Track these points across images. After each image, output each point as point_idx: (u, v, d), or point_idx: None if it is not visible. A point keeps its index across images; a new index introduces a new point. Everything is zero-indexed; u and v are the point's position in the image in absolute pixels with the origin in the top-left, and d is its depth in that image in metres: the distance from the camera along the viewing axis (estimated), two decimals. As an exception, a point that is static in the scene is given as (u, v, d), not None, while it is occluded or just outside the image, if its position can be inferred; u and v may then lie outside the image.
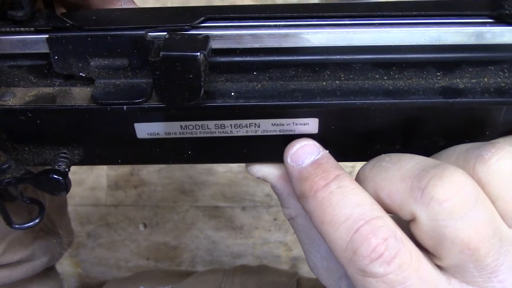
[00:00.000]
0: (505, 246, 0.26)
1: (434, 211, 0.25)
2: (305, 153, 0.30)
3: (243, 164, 1.13)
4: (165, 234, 1.11)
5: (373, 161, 0.30)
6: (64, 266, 1.12)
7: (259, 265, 0.78)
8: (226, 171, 1.08)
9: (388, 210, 0.28)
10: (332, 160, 0.30)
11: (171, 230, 1.11)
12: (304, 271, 1.07)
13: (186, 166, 1.09)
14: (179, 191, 1.10)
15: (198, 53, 0.25)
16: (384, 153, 0.30)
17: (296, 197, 0.30)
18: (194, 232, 1.10)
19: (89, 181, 1.13)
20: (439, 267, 0.27)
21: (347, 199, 0.27)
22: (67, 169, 0.31)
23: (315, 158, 0.30)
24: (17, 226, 0.36)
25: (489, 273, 0.26)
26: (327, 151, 0.30)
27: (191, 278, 0.72)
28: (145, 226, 1.11)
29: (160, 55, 0.25)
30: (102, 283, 0.76)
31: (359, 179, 0.30)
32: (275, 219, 1.08)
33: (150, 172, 1.10)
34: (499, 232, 0.26)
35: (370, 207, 0.27)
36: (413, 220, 0.27)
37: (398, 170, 0.28)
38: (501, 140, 0.30)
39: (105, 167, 1.12)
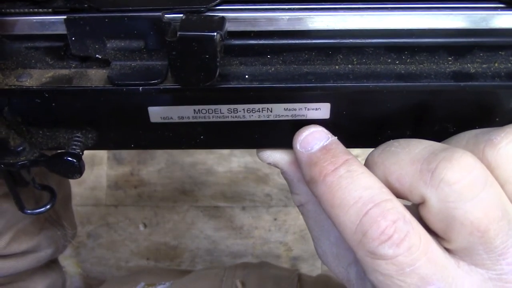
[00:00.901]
0: None
1: (443, 193, 0.26)
2: (314, 139, 0.31)
3: (243, 164, 1.12)
4: (165, 234, 1.11)
5: (382, 147, 0.30)
6: (65, 266, 1.12)
7: (260, 262, 0.78)
8: (226, 171, 1.08)
9: (398, 194, 0.28)
10: (340, 145, 0.30)
11: (171, 230, 1.11)
12: (304, 271, 1.07)
13: (186, 166, 1.09)
14: (179, 191, 1.10)
15: (215, 33, 0.25)
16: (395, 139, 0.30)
17: (306, 182, 0.31)
18: (194, 232, 1.10)
19: (89, 181, 1.13)
20: (448, 250, 0.28)
21: (356, 183, 0.28)
22: (81, 153, 0.31)
23: (324, 144, 0.30)
24: (29, 211, 0.36)
25: (497, 255, 0.26)
26: (336, 137, 0.31)
27: (192, 274, 0.72)
28: (145, 226, 1.11)
29: (177, 35, 0.26)
30: (102, 283, 0.76)
31: (368, 164, 0.30)
32: (275, 219, 1.08)
33: (150, 172, 1.10)
34: (507, 215, 0.26)
35: (379, 190, 0.27)
36: (422, 203, 0.27)
37: (407, 154, 0.28)
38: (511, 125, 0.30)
39: (105, 167, 1.12)
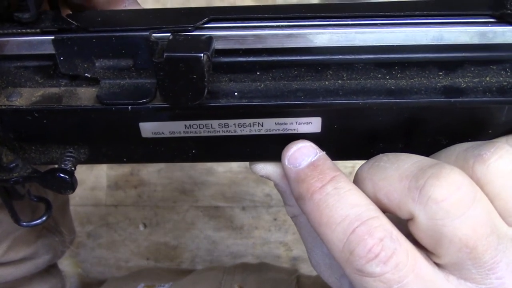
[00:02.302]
0: (503, 243, 0.26)
1: (431, 210, 0.26)
2: (302, 154, 0.31)
3: (243, 164, 1.12)
4: (165, 234, 1.11)
5: (371, 161, 0.30)
6: (64, 266, 1.12)
7: (260, 263, 0.78)
8: (226, 171, 1.08)
9: (387, 210, 0.28)
10: (328, 161, 0.30)
11: (171, 230, 1.11)
12: (304, 271, 1.07)
13: (186, 166, 1.09)
14: (179, 191, 1.10)
15: (201, 54, 0.25)
16: (387, 152, 0.30)
17: (294, 198, 0.31)
18: (194, 232, 1.10)
19: (89, 181, 1.13)
20: (438, 265, 0.28)
21: (343, 200, 0.28)
22: (73, 168, 0.32)
23: (312, 160, 0.30)
24: (24, 224, 0.36)
25: (487, 270, 0.27)
26: (324, 152, 0.31)
27: (192, 275, 0.72)
28: (145, 226, 1.12)
29: (164, 56, 0.26)
30: (102, 283, 0.77)
31: (357, 179, 0.30)
32: (275, 219, 1.08)
33: (150, 172, 1.10)
34: (497, 230, 0.26)
35: (366, 208, 0.28)
36: (411, 219, 0.27)
37: (396, 170, 0.28)
38: (502, 139, 0.30)
39: (105, 167, 1.12)
